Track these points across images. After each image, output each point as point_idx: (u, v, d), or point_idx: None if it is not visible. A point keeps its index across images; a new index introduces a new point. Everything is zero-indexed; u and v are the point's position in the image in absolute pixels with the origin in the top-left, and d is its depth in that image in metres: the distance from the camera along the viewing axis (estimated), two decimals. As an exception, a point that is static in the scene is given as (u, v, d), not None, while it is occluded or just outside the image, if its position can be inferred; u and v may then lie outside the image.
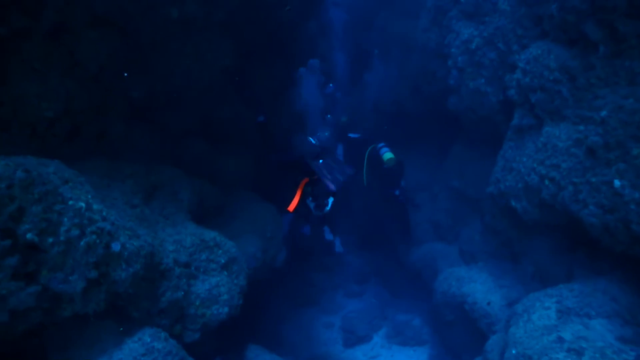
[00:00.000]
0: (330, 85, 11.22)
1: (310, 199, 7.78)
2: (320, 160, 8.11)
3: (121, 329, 4.59)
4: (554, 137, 5.90)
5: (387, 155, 9.12)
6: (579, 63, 5.61)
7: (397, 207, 10.08)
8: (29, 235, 3.51)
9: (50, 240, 3.62)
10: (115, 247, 4.14)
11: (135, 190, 5.66)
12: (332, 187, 7.45)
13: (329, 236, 8.24)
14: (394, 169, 9.37)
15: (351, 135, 10.52)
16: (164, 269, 5.11)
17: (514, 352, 5.28)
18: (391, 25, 10.71)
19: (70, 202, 3.79)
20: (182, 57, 7.42)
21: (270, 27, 8.86)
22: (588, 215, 5.23)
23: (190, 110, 8.13)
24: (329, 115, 11.17)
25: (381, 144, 9.45)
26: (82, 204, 3.86)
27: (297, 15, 9.90)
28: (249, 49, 8.84)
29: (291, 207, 7.38)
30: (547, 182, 5.89)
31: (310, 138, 9.46)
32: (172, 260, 5.25)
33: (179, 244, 5.47)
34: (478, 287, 7.58)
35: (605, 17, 5.25)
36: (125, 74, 6.82)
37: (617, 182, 4.96)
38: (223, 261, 5.91)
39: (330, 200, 7.75)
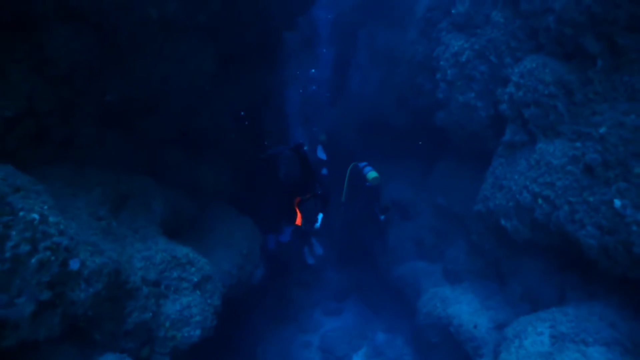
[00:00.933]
0: (313, 87, 10.93)
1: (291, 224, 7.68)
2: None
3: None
4: (548, 154, 5.58)
5: (372, 174, 8.83)
6: (576, 77, 5.31)
7: (376, 223, 9.93)
8: (-33, 251, 3.02)
9: (-6, 256, 3.13)
10: (74, 264, 3.65)
11: (102, 200, 5.16)
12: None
13: (318, 248, 7.92)
14: (375, 187, 9.16)
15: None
16: (130, 287, 4.62)
17: (506, 381, 4.90)
18: (377, 37, 10.38)
19: (21, 214, 3.30)
20: (161, 60, 6.97)
21: (253, 34, 8.46)
22: (585, 236, 4.88)
23: (168, 118, 7.65)
24: (315, 129, 10.85)
25: (364, 163, 9.15)
26: (35, 216, 3.38)
27: (281, 25, 9.54)
28: (231, 55, 8.43)
29: (298, 221, 7.26)
30: (540, 200, 5.55)
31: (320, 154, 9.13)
32: (140, 278, 4.76)
33: (148, 261, 4.98)
34: (464, 308, 7.20)
35: (605, 29, 4.97)
36: (101, 76, 6.35)
37: (617, 202, 4.63)
38: (196, 280, 5.43)
39: (320, 216, 7.58)
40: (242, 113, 8.65)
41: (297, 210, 7.54)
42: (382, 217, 9.72)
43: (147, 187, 6.00)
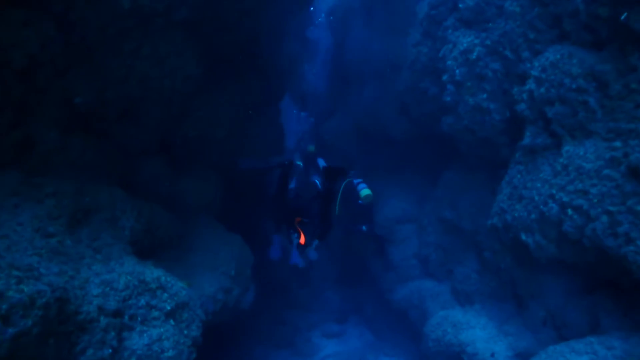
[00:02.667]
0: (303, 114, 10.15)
1: (296, 235, 6.98)
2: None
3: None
4: (578, 157, 4.66)
5: (365, 192, 7.97)
6: (612, 67, 4.41)
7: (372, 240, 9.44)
8: None
9: None
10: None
11: (55, 214, 4.23)
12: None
13: (312, 254, 7.15)
14: (367, 205, 8.36)
15: (320, 163, 9.52)
16: (83, 319, 3.67)
17: None
18: (375, 43, 9.52)
19: None
20: (138, 61, 6.09)
21: (242, 36, 7.58)
22: (634, 253, 3.93)
23: (147, 126, 6.73)
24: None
25: (358, 180, 8.28)
26: None
27: (272, 30, 8.70)
28: (219, 59, 7.56)
29: (302, 240, 6.78)
30: (570, 211, 4.61)
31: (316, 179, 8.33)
32: (97, 307, 3.80)
33: (109, 286, 4.03)
34: (478, 334, 6.22)
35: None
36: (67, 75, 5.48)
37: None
38: (169, 308, 4.47)
39: (315, 242, 7.02)
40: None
41: (300, 230, 6.93)
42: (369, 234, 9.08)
43: (115, 200, 5.07)
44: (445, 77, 6.72)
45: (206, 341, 6.85)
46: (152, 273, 4.51)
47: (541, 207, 5.01)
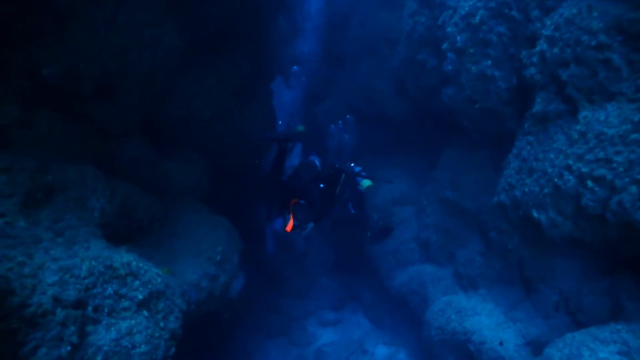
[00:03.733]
0: (295, 67, 9.46)
1: (288, 217, 6.39)
2: (322, 185, 6.93)
3: None
4: (598, 122, 4.06)
5: (367, 182, 7.35)
6: (641, 16, 3.80)
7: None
8: None
9: None
10: None
11: (7, 191, 3.62)
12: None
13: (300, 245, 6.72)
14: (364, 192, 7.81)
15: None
16: (33, 313, 3.07)
17: None
18: (371, 19, 8.87)
19: None
20: (113, 31, 5.44)
21: (229, 10, 6.94)
22: (671, 227, 3.35)
23: (128, 104, 6.10)
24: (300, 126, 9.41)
25: (359, 168, 7.68)
26: None
27: (262, 6, 8.02)
28: (204, 34, 6.93)
29: (289, 227, 6.19)
30: (590, 183, 4.02)
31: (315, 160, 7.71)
32: (51, 298, 3.20)
33: (68, 273, 3.43)
34: (484, 321, 5.66)
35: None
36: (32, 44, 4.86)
37: None
38: (141, 297, 3.88)
39: (310, 225, 6.42)
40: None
41: (291, 213, 6.33)
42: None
43: (85, 178, 4.45)
44: (445, 46, 6.10)
45: (193, 332, 6.32)
46: (122, 258, 3.91)
47: (555, 180, 4.42)
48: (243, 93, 7.96)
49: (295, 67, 9.73)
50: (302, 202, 6.42)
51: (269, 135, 7.04)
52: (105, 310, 3.59)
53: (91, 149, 5.62)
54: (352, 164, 7.92)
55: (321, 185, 6.92)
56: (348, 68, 9.80)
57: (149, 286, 3.98)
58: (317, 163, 7.46)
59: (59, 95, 5.34)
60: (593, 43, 4.11)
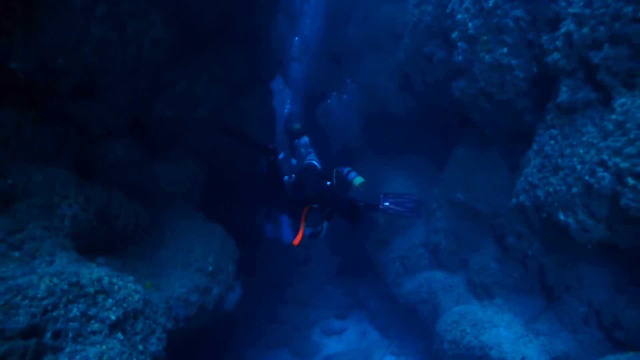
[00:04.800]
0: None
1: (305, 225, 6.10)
2: (328, 182, 6.64)
3: None
4: (640, 110, 3.46)
5: (358, 179, 6.78)
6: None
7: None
8: None
9: None
10: None
11: (-49, 199, 3.04)
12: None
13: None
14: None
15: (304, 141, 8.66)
16: (-29, 344, 2.48)
17: None
18: (374, 12, 8.28)
19: None
20: (93, 22, 4.88)
21: (221, 4, 6.38)
22: None
23: (113, 103, 5.53)
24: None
25: (347, 168, 7.11)
26: None
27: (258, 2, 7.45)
28: (196, 28, 6.38)
29: (296, 241, 5.81)
30: (631, 180, 3.42)
31: (314, 161, 7.28)
32: (-4, 325, 2.62)
33: (20, 295, 2.84)
34: (503, 334, 5.04)
35: None
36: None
37: None
38: (114, 317, 3.28)
39: (325, 224, 6.13)
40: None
41: (302, 223, 6.03)
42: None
43: (53, 183, 3.87)
44: (455, 35, 5.51)
45: (187, 346, 5.76)
46: (92, 273, 3.32)
47: (586, 177, 3.82)
48: (240, 92, 7.40)
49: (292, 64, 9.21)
50: (315, 206, 6.05)
51: (257, 143, 6.48)
52: (70, 335, 3.00)
53: (70, 151, 5.04)
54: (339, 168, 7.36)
55: (328, 183, 6.51)
56: (350, 65, 9.21)
57: (124, 305, 3.39)
58: (316, 164, 6.91)
59: (32, 92, 4.79)
60: (636, 15, 3.51)
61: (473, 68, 5.30)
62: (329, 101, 9.06)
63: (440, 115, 7.17)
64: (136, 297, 3.53)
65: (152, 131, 6.43)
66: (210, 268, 5.02)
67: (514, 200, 5.01)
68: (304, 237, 6.15)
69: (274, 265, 9.89)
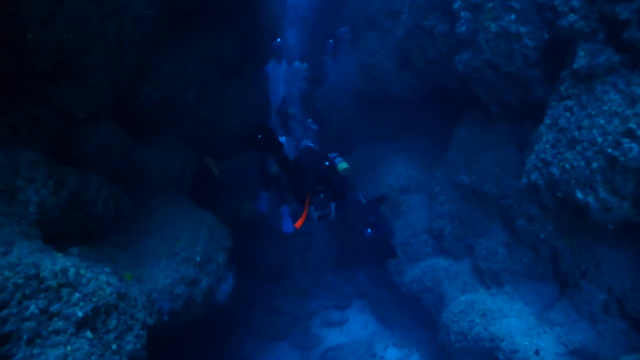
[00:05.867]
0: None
1: (312, 208, 5.90)
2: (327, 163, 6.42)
3: None
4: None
5: (343, 165, 6.40)
6: None
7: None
8: None
9: None
10: None
11: None
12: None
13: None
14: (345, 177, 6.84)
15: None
16: None
17: None
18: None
19: None
20: (67, -1, 4.45)
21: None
22: None
23: (96, 85, 5.08)
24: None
25: (334, 154, 6.75)
26: None
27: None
28: (182, 5, 5.93)
29: (299, 224, 5.71)
30: (663, 151, 2.97)
31: (310, 143, 7.09)
32: None
33: (-37, 290, 2.41)
34: (514, 323, 4.63)
35: None
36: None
37: None
38: (81, 314, 2.87)
39: (333, 205, 5.92)
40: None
41: (306, 206, 5.89)
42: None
43: (18, 166, 3.44)
44: (457, 5, 5.05)
45: (182, 341, 5.41)
46: (55, 264, 2.90)
47: (609, 150, 3.38)
48: (232, 74, 6.96)
49: (279, 40, 8.73)
50: (320, 187, 5.83)
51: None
52: (24, 337, 2.58)
53: (46, 134, 4.62)
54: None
55: (326, 163, 6.27)
56: (346, 46, 8.74)
57: (94, 299, 2.97)
58: (310, 143, 6.60)
59: (4, 71, 4.37)
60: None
61: (478, 38, 4.84)
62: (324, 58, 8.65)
63: (442, 94, 6.72)
64: (108, 290, 3.10)
65: (141, 115, 6.01)
66: (199, 258, 4.60)
67: (524, 179, 4.57)
68: (312, 220, 5.94)
69: (272, 254, 9.46)
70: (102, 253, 3.98)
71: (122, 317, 3.19)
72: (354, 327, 8.40)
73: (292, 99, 8.63)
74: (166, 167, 5.76)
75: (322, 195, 5.78)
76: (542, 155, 4.21)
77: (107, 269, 3.52)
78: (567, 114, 3.96)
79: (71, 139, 4.92)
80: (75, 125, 4.99)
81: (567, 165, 3.85)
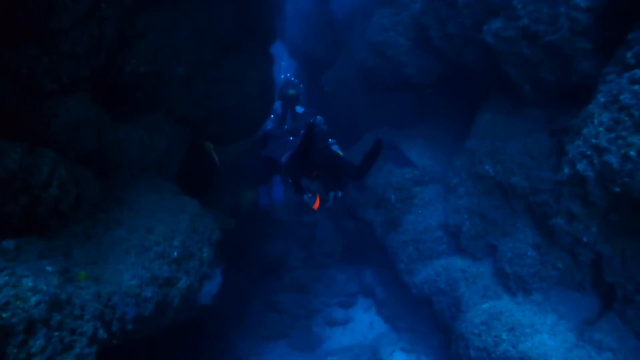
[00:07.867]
0: None
1: (311, 195, 5.45)
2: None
3: None
4: None
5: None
6: None
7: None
8: None
9: None
10: None
11: None
12: None
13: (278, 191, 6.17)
14: None
15: (298, 110, 8.15)
16: None
17: None
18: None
19: None
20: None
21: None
22: None
23: (70, 53, 4.25)
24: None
25: (332, 140, 5.97)
26: None
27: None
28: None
29: (316, 205, 5.33)
30: None
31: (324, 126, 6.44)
32: None
33: None
34: (548, 342, 3.76)
35: None
36: None
37: None
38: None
39: (332, 195, 5.44)
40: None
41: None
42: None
43: None
44: (490, -37, 4.14)
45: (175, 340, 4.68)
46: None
47: (697, 132, 2.49)
48: (228, 48, 6.11)
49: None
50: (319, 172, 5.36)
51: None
52: None
53: (4, 109, 3.83)
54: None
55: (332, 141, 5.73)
56: (357, 25, 7.82)
57: (4, 315, 2.14)
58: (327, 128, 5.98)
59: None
60: None
61: (514, 1, 3.93)
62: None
63: (462, 75, 5.83)
64: (33, 299, 2.28)
65: (128, 93, 5.19)
66: (176, 253, 3.77)
67: (566, 170, 3.70)
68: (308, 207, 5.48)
69: (273, 247, 8.67)
70: (52, 247, 3.16)
71: (55, 333, 2.37)
72: (359, 327, 7.59)
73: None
74: (147, 147, 4.92)
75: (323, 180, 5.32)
76: (594, 141, 3.33)
77: (48, 268, 2.71)
78: (636, 87, 3.06)
79: (39, 113, 4.13)
80: (43, 100, 4.19)
81: (632, 153, 2.97)
